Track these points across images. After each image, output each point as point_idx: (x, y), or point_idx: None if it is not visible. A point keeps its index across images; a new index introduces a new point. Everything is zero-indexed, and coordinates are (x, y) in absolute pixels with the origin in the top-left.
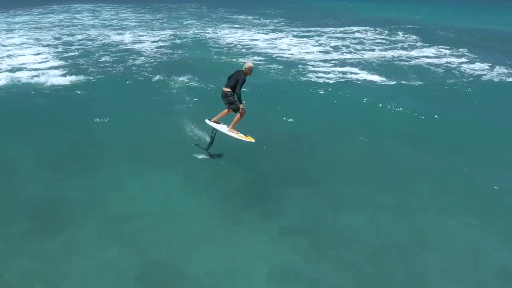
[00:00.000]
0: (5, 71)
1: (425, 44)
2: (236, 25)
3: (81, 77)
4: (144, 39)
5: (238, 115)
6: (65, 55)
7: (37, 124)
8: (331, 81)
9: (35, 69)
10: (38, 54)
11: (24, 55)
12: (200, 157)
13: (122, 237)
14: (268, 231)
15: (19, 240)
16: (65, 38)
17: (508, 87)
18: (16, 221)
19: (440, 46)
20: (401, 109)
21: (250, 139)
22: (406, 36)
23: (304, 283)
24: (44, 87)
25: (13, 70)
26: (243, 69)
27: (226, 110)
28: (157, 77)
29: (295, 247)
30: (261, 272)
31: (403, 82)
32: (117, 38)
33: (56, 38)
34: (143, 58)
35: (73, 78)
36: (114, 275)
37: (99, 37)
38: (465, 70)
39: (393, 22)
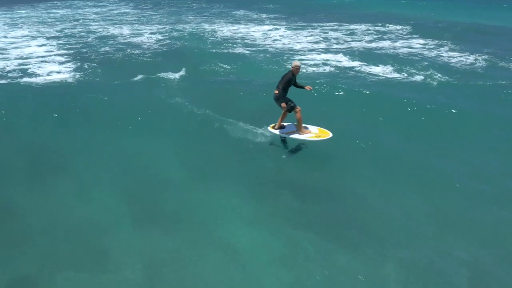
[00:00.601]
0: (14, 59)
1: (413, 36)
2: (232, 20)
3: (83, 66)
4: (143, 32)
5: (297, 116)
6: (68, 46)
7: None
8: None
9: (41, 58)
10: (42, 45)
11: (30, 47)
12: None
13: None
14: None
15: None
16: (67, 31)
17: (479, 75)
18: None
19: (426, 38)
20: (367, 92)
21: (324, 135)
22: (398, 28)
23: None
24: (47, 74)
25: (21, 58)
26: (291, 68)
27: (283, 112)
28: (150, 66)
29: None
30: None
31: (382, 69)
32: (116, 31)
33: (58, 31)
34: (140, 50)
35: (74, 66)
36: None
37: (99, 29)
38: (442, 60)
39: (390, 16)
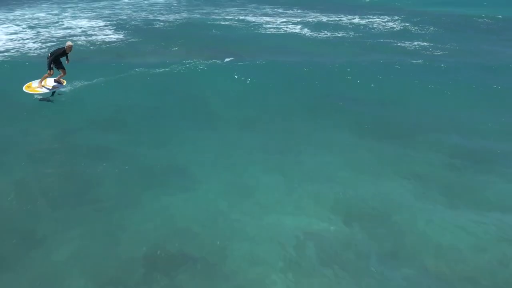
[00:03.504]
0: (65, 29)
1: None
2: (243, 10)
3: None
4: (164, 19)
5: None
6: (111, 25)
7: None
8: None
9: (86, 30)
10: (88, 25)
11: (80, 26)
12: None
13: None
14: None
15: None
16: (107, 12)
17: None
18: None
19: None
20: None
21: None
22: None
23: None
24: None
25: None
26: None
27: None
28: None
29: None
30: None
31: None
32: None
33: (101, 15)
34: (155, 32)
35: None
36: None
37: (132, 16)
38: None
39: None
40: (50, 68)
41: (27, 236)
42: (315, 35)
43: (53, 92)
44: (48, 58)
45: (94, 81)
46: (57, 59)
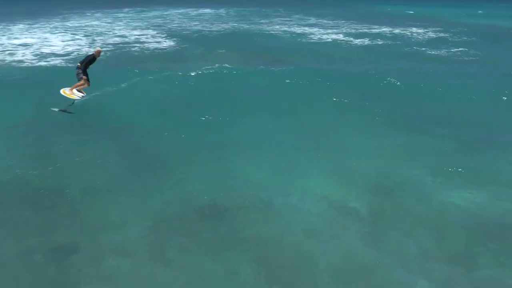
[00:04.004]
0: (119, 37)
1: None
2: (289, 20)
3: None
4: (213, 29)
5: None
6: (162, 33)
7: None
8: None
9: (139, 37)
10: (141, 33)
11: (132, 33)
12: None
13: None
14: None
15: None
16: (157, 23)
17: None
18: None
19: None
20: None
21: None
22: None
23: None
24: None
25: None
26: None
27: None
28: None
29: None
30: None
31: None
32: (194, 27)
33: (151, 24)
34: (204, 40)
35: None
36: None
37: (182, 24)
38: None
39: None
40: (85, 76)
41: (111, 188)
42: (358, 43)
43: (72, 102)
44: (77, 68)
45: (155, 78)
46: (87, 66)
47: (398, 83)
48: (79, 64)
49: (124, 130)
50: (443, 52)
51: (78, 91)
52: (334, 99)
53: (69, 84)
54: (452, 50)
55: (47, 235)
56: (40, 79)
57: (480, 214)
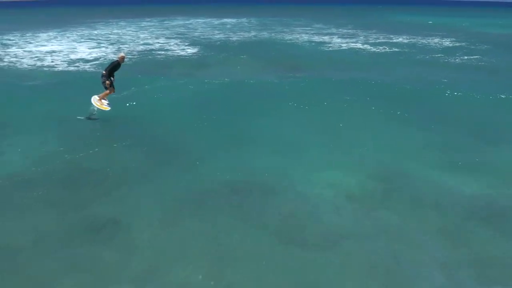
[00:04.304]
0: (144, 45)
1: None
2: (312, 31)
3: (195, 49)
4: (234, 38)
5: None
6: (185, 41)
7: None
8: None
9: (163, 45)
10: (165, 41)
11: (157, 42)
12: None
13: None
14: None
15: None
16: (180, 31)
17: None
18: None
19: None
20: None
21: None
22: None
23: None
24: (174, 54)
25: (149, 44)
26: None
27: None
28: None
29: None
30: None
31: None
32: (218, 35)
33: (175, 32)
34: (227, 47)
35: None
36: None
37: (204, 34)
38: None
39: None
40: (111, 84)
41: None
42: (377, 50)
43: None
44: (103, 76)
45: (179, 82)
46: (112, 73)
47: (408, 87)
48: (104, 71)
49: (153, 123)
50: (457, 59)
51: (104, 99)
52: (347, 97)
53: (96, 88)
54: (465, 57)
55: (88, 209)
56: (70, 82)
57: (479, 198)
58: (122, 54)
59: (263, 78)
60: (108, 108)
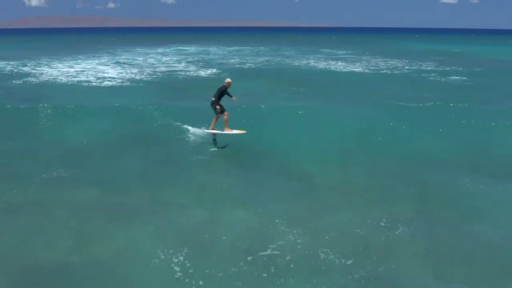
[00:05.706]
0: (162, 69)
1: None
2: (318, 56)
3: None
4: (246, 61)
5: (225, 118)
6: (202, 64)
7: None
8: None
9: (186, 69)
10: (183, 65)
11: (177, 66)
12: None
13: None
14: None
15: None
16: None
17: None
18: None
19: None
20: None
21: (241, 131)
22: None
23: None
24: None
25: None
26: (224, 83)
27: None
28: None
29: None
30: None
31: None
32: (231, 60)
33: (193, 58)
34: (243, 70)
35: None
36: None
37: (222, 59)
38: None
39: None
40: (222, 110)
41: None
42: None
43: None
44: (212, 103)
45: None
46: (220, 98)
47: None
48: (213, 98)
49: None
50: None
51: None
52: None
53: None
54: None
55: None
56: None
57: None
58: (228, 79)
59: (272, 95)
60: (243, 131)
